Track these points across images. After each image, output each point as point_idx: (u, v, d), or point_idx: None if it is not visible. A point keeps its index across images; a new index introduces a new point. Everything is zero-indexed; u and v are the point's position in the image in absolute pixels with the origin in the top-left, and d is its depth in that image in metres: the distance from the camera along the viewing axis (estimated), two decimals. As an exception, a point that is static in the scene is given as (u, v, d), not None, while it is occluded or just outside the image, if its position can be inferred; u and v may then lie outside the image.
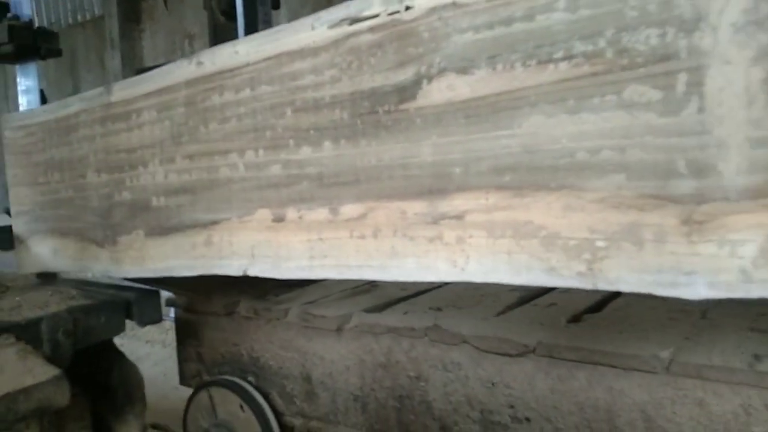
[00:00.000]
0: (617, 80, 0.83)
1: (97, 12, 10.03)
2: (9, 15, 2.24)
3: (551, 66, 0.88)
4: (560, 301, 1.88)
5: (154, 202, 1.50)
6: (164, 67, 1.44)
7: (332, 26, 1.12)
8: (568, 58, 0.87)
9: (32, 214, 1.95)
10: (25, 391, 1.25)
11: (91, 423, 1.70)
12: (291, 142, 1.20)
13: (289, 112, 1.20)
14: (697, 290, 0.80)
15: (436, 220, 1.02)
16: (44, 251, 1.93)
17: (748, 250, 0.76)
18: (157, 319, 1.75)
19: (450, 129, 0.99)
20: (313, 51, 1.15)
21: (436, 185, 1.02)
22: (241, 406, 1.97)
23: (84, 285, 1.85)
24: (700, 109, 0.78)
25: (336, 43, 1.11)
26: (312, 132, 1.17)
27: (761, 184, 0.75)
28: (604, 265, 0.87)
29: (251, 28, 1.93)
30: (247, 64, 1.26)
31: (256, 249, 1.29)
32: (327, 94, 1.13)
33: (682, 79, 0.79)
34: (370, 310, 1.93)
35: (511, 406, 1.56)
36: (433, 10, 0.99)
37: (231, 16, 1.97)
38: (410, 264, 1.05)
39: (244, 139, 1.28)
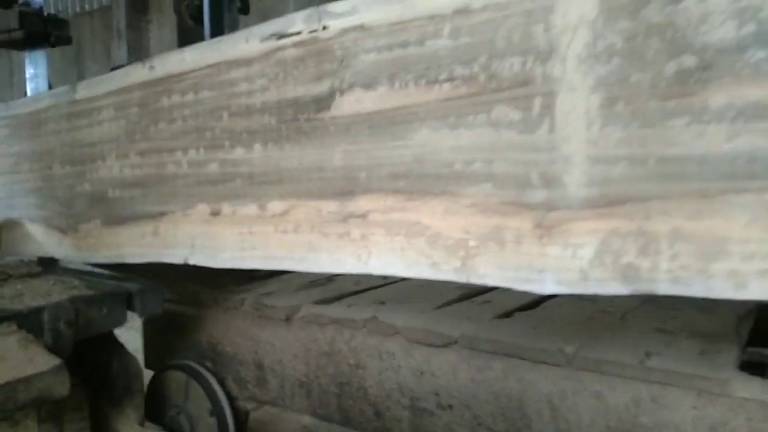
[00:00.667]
0: (488, 101, 0.95)
1: (104, 1, 9.93)
2: (20, 1, 2.24)
3: (437, 86, 1.00)
4: (497, 299, 2.00)
5: (110, 193, 1.62)
6: (122, 69, 1.56)
7: (263, 40, 1.24)
8: (450, 80, 0.99)
9: (5, 201, 2.07)
10: (26, 380, 1.24)
11: (89, 414, 1.69)
12: (227, 143, 1.33)
13: (225, 115, 1.32)
14: (546, 286, 0.92)
15: (345, 218, 1.14)
16: (16, 237, 2.05)
17: (586, 252, 0.88)
18: (158, 311, 1.74)
19: (357, 138, 1.11)
20: (246, 61, 1.27)
21: (345, 187, 1.14)
22: (197, 390, 2.09)
23: (86, 275, 1.84)
24: (551, 129, 0.90)
25: (266, 55, 1.24)
26: (245, 135, 1.29)
27: (597, 196, 0.87)
28: (475, 262, 0.99)
29: (217, 33, 2.05)
30: (192, 71, 1.39)
31: (196, 240, 1.41)
32: (258, 101, 1.25)
33: (538, 102, 0.91)
34: (318, 302, 2.05)
35: (437, 394, 1.68)
36: (344, 30, 1.11)
37: (199, 20, 2.09)
38: (323, 257, 1.18)
39: (187, 139, 1.41)
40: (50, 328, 1.45)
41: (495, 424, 1.59)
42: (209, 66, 1.35)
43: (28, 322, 1.43)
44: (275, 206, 1.24)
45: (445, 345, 1.65)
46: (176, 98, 1.42)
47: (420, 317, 1.81)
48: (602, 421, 1.42)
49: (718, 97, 0.76)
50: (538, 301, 1.98)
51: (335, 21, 1.12)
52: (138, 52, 8.99)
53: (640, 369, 1.36)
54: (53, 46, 2.35)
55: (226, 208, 1.33)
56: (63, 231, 1.80)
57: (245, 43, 1.27)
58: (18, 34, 2.18)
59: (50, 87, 2.59)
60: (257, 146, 1.26)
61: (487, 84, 0.95)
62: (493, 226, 0.96)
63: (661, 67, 0.80)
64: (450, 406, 1.67)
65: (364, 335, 1.81)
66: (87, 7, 10.24)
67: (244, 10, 2.32)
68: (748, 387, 1.23)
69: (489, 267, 0.97)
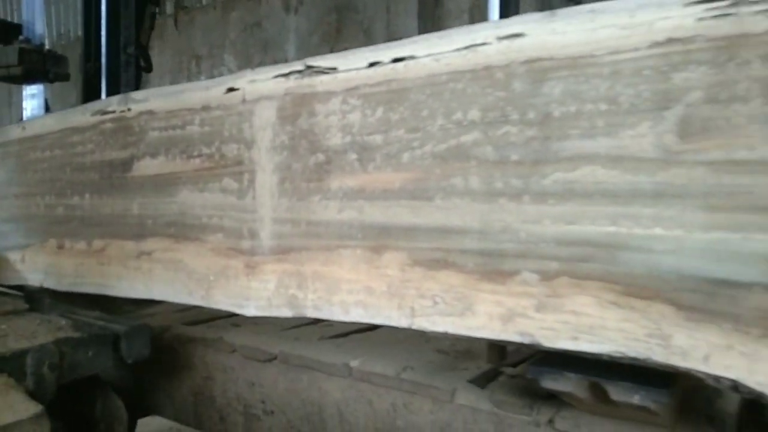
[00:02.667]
0: (220, 174, 1.31)
1: None
2: (21, 38, 2.28)
3: (192, 160, 1.36)
4: (340, 324, 2.33)
5: (1, 227, 1.97)
6: (4, 128, 1.91)
7: (93, 114, 1.60)
8: (200, 156, 1.35)
9: None
10: (5, 429, 1.22)
11: (71, 459, 1.64)
12: (68, 191, 1.67)
13: (68, 170, 1.67)
14: (250, 310, 1.27)
15: (139, 255, 1.49)
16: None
17: (271, 286, 1.23)
18: (145, 354, 1.70)
19: (147, 193, 1.46)
20: (81, 129, 1.63)
21: (139, 231, 1.49)
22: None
23: (73, 314, 1.79)
24: (254, 197, 1.26)
25: (94, 126, 1.59)
26: (80, 186, 1.64)
27: (276, 246, 1.22)
28: (213, 292, 1.33)
29: (114, 92, 2.39)
30: (49, 133, 1.74)
31: (48, 268, 1.75)
32: (88, 160, 1.61)
33: (246, 177, 1.27)
34: (186, 323, 2.37)
35: (263, 402, 2.01)
36: (140, 113, 1.47)
37: (99, 78, 2.44)
38: (125, 285, 1.52)
39: (44, 187, 1.76)
40: (33, 372, 1.41)
41: (302, 427, 1.91)
42: (60, 130, 1.71)
43: (11, 365, 1.38)
44: (97, 243, 1.59)
45: (269, 360, 1.98)
46: (38, 154, 1.78)
47: (257, 338, 2.14)
48: (372, 424, 1.75)
49: (333, 183, 1.12)
50: (374, 327, 2.31)
51: (135, 105, 1.48)
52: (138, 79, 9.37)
53: (396, 380, 1.70)
54: (52, 82, 2.38)
55: (67, 243, 1.68)
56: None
57: (82, 115, 1.63)
58: (17, 70, 2.21)
59: (47, 109, 2.61)
60: (87, 195, 1.61)
61: (220, 161, 1.31)
62: (223, 265, 1.31)
63: (307, 159, 1.16)
64: (272, 412, 1.99)
65: (214, 353, 2.14)
66: (80, 32, 10.40)
67: (148, 69, 2.67)
68: (466, 396, 1.57)
69: (220, 296, 1.32)
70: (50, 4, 9.05)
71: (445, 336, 1.05)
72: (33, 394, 1.36)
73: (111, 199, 1.55)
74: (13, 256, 1.90)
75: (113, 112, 1.54)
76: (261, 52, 7.61)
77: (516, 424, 1.40)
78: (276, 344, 2.02)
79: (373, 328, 2.24)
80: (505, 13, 1.73)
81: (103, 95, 2.42)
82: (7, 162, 1.92)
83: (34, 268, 1.81)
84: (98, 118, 1.58)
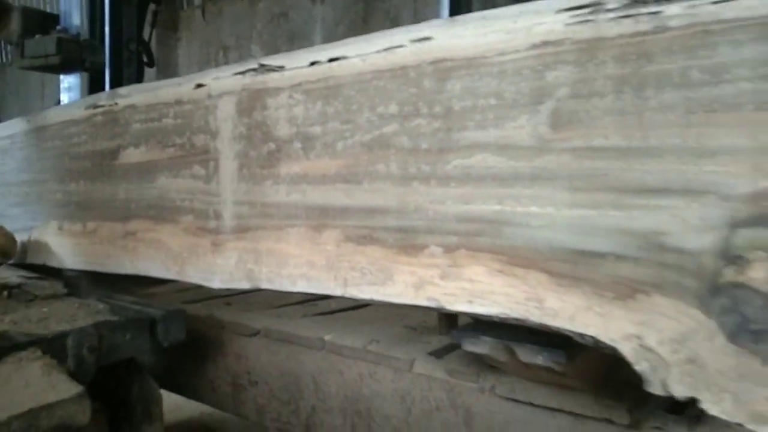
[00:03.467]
0: (191, 161, 1.47)
1: None
2: (58, 27, 2.36)
3: (168, 149, 1.52)
4: (325, 303, 2.48)
5: (8, 211, 2.16)
6: (13, 121, 2.10)
7: (86, 108, 1.77)
8: (174, 145, 1.51)
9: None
10: (48, 407, 1.24)
11: (108, 440, 1.69)
12: (67, 178, 1.85)
13: (67, 159, 1.85)
14: (216, 283, 1.42)
15: (125, 235, 1.66)
16: None
17: (232, 261, 1.38)
18: (181, 338, 1.74)
19: (131, 180, 1.63)
20: (77, 122, 1.80)
21: (125, 213, 1.65)
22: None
23: (110, 299, 1.84)
24: (218, 182, 1.41)
25: (88, 118, 1.76)
26: (76, 173, 1.81)
27: (236, 226, 1.37)
28: (186, 267, 1.49)
29: (116, 84, 2.58)
30: (52, 125, 1.92)
31: (51, 247, 1.94)
32: (82, 150, 1.78)
33: (212, 164, 1.42)
34: (186, 302, 2.55)
35: (248, 373, 2.17)
36: (126, 107, 1.63)
37: (103, 73, 2.62)
38: (113, 262, 1.69)
39: (47, 174, 1.94)
40: (74, 354, 1.45)
41: (282, 395, 2.07)
42: (60, 122, 1.88)
43: (52, 347, 1.42)
44: (90, 225, 1.76)
45: (253, 335, 2.14)
46: (42, 144, 1.96)
47: (244, 315, 2.30)
48: (342, 392, 1.90)
49: (283, 169, 1.27)
50: (360, 306, 2.46)
51: (121, 100, 1.65)
52: (167, 69, 8.99)
53: (363, 352, 1.84)
54: (87, 71, 2.47)
55: (66, 225, 1.86)
56: None
57: (78, 109, 1.80)
58: (55, 59, 2.28)
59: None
60: (81, 182, 1.79)
61: (190, 150, 1.46)
62: (193, 243, 1.47)
63: (261, 148, 1.31)
64: (256, 383, 2.16)
65: (204, 328, 2.31)
66: None
67: (150, 63, 2.84)
68: (423, 366, 1.71)
69: (192, 271, 1.48)
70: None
71: (411, 311, 1.18)
72: (74, 375, 1.39)
73: (101, 184, 1.72)
74: (21, 237, 2.09)
75: (103, 106, 1.70)
76: (288, 42, 7.67)
77: (465, 391, 1.53)
78: (260, 321, 2.18)
79: (357, 307, 2.38)
80: None
81: (107, 89, 2.60)
82: (15, 152, 2.11)
83: (39, 248, 1.99)
84: (91, 111, 1.75)
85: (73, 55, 2.29)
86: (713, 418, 0.90)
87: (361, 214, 1.15)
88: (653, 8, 0.82)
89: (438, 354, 1.74)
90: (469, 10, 1.80)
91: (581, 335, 0.91)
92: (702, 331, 0.79)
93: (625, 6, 0.84)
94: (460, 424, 1.54)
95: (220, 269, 1.41)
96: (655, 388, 0.84)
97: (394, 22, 6.32)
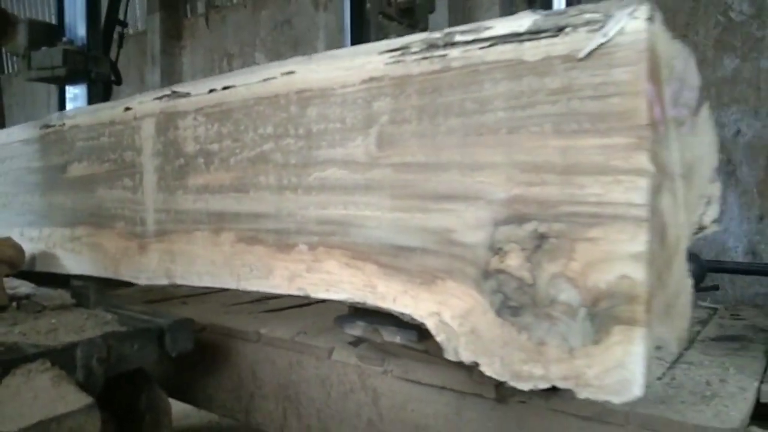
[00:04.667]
0: (122, 174, 1.69)
1: (140, 27, 9.96)
2: (64, 39, 2.38)
3: (104, 164, 1.74)
4: (277, 302, 2.69)
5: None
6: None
7: (41, 128, 1.99)
8: (109, 161, 1.73)
9: None
10: (58, 419, 1.24)
11: (117, 450, 1.68)
12: (25, 190, 2.08)
13: (25, 173, 2.07)
14: (142, 281, 1.64)
15: (72, 239, 1.88)
16: None
17: (154, 261, 1.60)
18: (188, 348, 1.75)
19: (77, 191, 1.85)
20: (34, 140, 2.02)
21: (72, 220, 1.88)
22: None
23: (118, 309, 1.86)
24: (143, 193, 1.63)
25: (42, 137, 1.99)
26: (33, 185, 2.04)
27: (158, 230, 1.59)
28: (120, 267, 1.71)
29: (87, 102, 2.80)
30: (15, 142, 2.15)
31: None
32: (37, 165, 2.01)
33: (138, 177, 1.64)
34: (146, 301, 2.77)
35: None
36: (71, 127, 1.86)
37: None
38: (64, 263, 1.91)
39: (14, 187, 2.16)
40: (82, 365, 1.45)
41: (228, 384, 2.27)
42: (21, 140, 2.11)
43: (61, 358, 1.42)
44: (45, 231, 1.99)
45: (200, 330, 2.36)
46: (7, 160, 2.19)
47: (194, 312, 2.51)
48: (275, 379, 2.10)
49: (190, 181, 1.49)
50: (310, 303, 2.66)
51: (68, 120, 1.87)
52: (171, 77, 9.03)
53: (291, 342, 2.05)
54: (93, 82, 2.50)
55: (26, 232, 2.08)
56: None
57: (33, 128, 2.03)
58: (61, 71, 2.32)
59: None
60: (38, 193, 2.01)
61: (121, 165, 1.69)
62: (125, 246, 1.69)
63: (174, 162, 1.53)
64: (204, 374, 2.36)
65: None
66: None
67: (117, 82, 3.07)
68: (340, 353, 1.91)
69: (125, 270, 1.70)
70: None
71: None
72: (83, 387, 1.39)
73: (54, 195, 1.94)
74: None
75: (54, 126, 1.93)
76: (291, 49, 7.72)
77: (372, 374, 1.73)
78: (208, 317, 2.40)
79: (307, 304, 2.59)
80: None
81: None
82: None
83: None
84: (44, 131, 1.98)
85: (79, 67, 2.33)
86: (564, 391, 1.12)
87: (249, 218, 1.37)
88: (442, 52, 1.03)
89: (355, 343, 1.95)
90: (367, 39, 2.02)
91: (402, 314, 1.12)
92: (478, 308, 1.01)
93: (423, 50, 1.06)
94: (370, 404, 1.74)
95: (145, 268, 1.63)
96: (450, 355, 1.05)
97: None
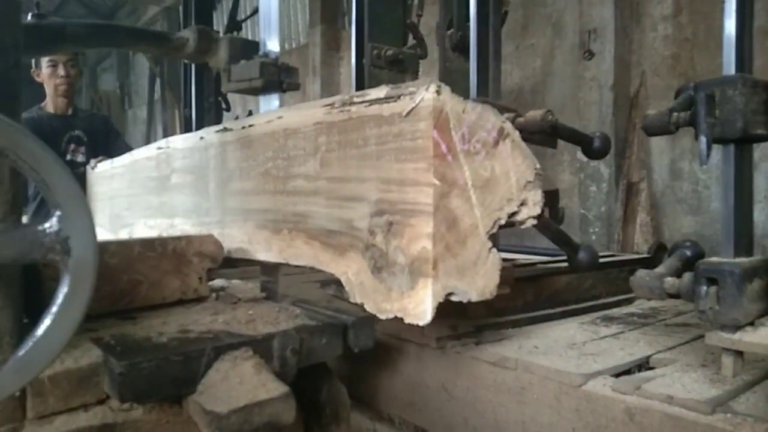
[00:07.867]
0: (198, 182, 2.47)
1: (302, 41, 10.87)
2: (260, 53, 2.52)
3: (189, 175, 2.54)
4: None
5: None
6: (121, 157, 3.29)
7: (156, 149, 2.86)
8: (191, 173, 2.52)
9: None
10: (260, 404, 1.30)
11: (303, 440, 1.69)
12: (146, 192, 2.97)
13: (145, 181, 2.97)
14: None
15: (170, 227, 2.71)
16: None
17: (214, 241, 2.36)
18: (369, 345, 1.79)
19: (176, 193, 2.68)
20: (150, 158, 2.90)
21: (174, 214, 2.71)
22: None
23: (304, 303, 1.95)
24: (208, 193, 2.39)
25: (156, 156, 2.85)
26: (150, 189, 2.92)
27: (218, 221, 2.34)
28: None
29: (200, 127, 3.69)
30: (139, 159, 3.05)
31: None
32: (153, 174, 2.88)
33: (206, 183, 2.41)
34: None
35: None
36: (173, 149, 2.69)
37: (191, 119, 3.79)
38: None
39: (139, 189, 3.08)
40: (278, 356, 1.52)
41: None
42: (143, 158, 3.00)
43: (261, 348, 1.50)
44: (157, 221, 2.85)
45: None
46: (137, 173, 3.10)
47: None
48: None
49: (232, 186, 2.22)
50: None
51: (171, 144, 2.70)
52: (330, 86, 9.52)
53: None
54: (284, 91, 2.55)
55: (149, 222, 2.97)
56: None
57: (150, 150, 2.90)
58: (258, 83, 2.40)
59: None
60: (152, 195, 2.88)
61: (199, 175, 2.46)
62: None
63: (222, 174, 2.26)
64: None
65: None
66: (287, 46, 11.11)
67: (227, 109, 3.97)
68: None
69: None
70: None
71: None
72: (278, 376, 1.47)
73: (158, 196, 2.79)
74: (126, 231, 3.26)
75: (162, 148, 2.78)
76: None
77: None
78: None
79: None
80: None
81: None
82: (121, 177, 3.29)
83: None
84: (157, 152, 2.84)
85: (273, 78, 2.38)
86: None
87: (260, 212, 2.07)
88: (348, 107, 1.65)
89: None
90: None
91: (332, 274, 1.74)
92: (364, 269, 1.60)
93: (340, 105, 1.68)
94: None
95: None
96: (351, 299, 1.65)
97: (556, 28, 6.42)
